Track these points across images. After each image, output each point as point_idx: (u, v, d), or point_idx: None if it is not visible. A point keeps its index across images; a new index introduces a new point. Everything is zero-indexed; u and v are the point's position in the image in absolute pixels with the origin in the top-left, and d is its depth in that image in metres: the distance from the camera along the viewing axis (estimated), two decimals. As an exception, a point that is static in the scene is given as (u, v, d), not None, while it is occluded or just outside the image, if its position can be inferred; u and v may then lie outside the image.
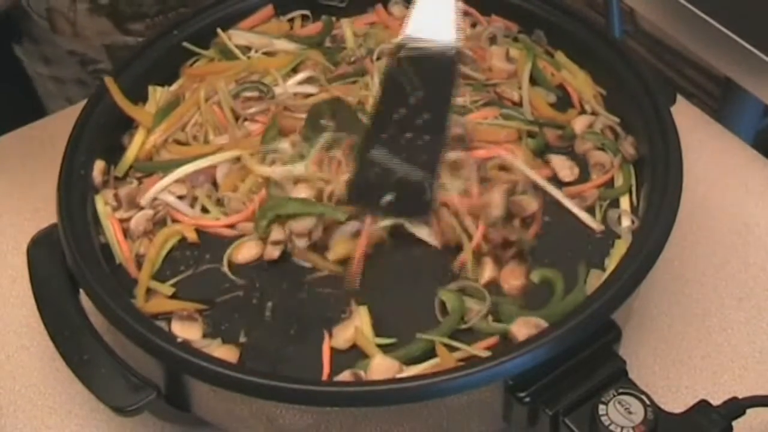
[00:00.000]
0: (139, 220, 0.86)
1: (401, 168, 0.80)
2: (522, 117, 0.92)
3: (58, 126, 0.95)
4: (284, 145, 0.89)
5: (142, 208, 0.88)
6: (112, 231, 0.86)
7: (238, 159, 0.89)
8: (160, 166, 0.91)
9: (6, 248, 0.99)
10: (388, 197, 0.80)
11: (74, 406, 0.87)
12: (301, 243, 0.83)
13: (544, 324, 0.76)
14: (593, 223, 0.85)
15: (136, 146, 0.93)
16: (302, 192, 0.85)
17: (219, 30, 1.01)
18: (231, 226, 0.87)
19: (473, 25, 1.04)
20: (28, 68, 1.35)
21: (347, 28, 1.02)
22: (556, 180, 0.89)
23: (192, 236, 0.86)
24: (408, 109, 0.82)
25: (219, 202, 0.88)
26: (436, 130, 0.81)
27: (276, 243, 0.83)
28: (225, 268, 0.84)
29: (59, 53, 1.29)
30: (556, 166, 0.89)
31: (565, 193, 0.87)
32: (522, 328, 0.76)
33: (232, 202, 0.87)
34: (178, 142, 0.94)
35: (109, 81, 0.93)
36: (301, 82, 0.97)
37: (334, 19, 1.05)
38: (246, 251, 0.84)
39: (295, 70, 0.99)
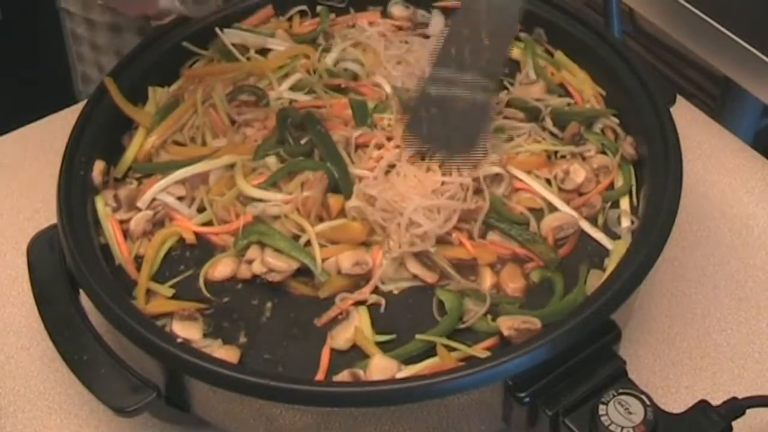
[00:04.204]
0: (138, 221, 0.86)
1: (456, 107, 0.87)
2: (549, 139, 0.92)
3: (58, 126, 0.95)
4: (272, 160, 0.89)
5: (140, 210, 0.88)
6: (111, 232, 0.86)
7: (232, 165, 0.89)
8: (158, 168, 0.91)
9: (6, 248, 0.99)
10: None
11: (74, 407, 0.87)
12: (275, 277, 0.82)
13: (532, 320, 0.76)
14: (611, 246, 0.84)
15: (135, 147, 0.93)
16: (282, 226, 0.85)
17: (217, 29, 1.01)
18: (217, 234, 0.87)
19: None
20: (69, 22, 1.32)
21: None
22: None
23: (190, 237, 0.86)
24: (468, 52, 0.88)
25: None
26: (492, 74, 0.88)
27: (250, 262, 0.83)
28: (201, 284, 0.83)
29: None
30: (577, 177, 0.88)
31: (573, 205, 0.87)
32: (507, 321, 0.77)
33: (218, 207, 0.87)
34: (177, 143, 0.94)
35: (108, 81, 0.93)
36: (293, 89, 0.97)
37: (332, 15, 1.05)
38: (222, 268, 0.84)
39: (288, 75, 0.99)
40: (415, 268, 0.82)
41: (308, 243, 0.83)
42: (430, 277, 0.82)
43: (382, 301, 0.81)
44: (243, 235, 0.84)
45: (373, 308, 0.81)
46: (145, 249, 0.85)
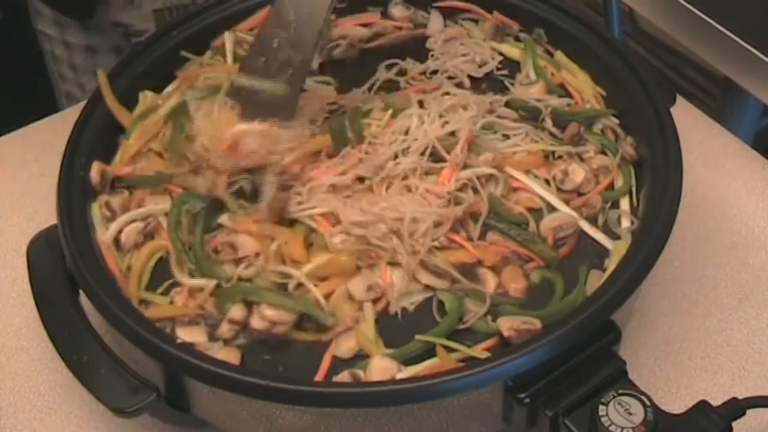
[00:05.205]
0: (129, 233, 0.85)
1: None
2: (547, 138, 0.91)
3: (58, 126, 0.95)
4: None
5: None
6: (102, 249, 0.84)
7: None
8: (139, 182, 0.89)
9: (6, 249, 0.99)
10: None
11: (74, 407, 0.87)
12: (280, 329, 0.78)
13: (531, 321, 0.76)
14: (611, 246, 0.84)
15: (122, 151, 0.92)
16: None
17: (223, 30, 1.00)
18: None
19: (475, 21, 1.04)
20: (48, 43, 1.33)
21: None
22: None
23: None
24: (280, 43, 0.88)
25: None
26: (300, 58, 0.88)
27: (234, 322, 0.79)
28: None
29: (101, 24, 1.28)
30: (576, 177, 0.88)
31: (573, 206, 0.86)
32: (507, 321, 0.77)
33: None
34: (157, 153, 0.92)
35: (103, 83, 0.93)
36: None
37: (333, 16, 1.05)
38: (196, 334, 0.79)
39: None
40: (426, 278, 0.81)
41: (297, 286, 0.80)
42: (441, 285, 0.81)
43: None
44: (223, 298, 0.79)
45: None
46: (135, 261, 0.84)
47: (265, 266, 0.81)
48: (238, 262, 0.82)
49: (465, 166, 0.87)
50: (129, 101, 0.94)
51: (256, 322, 0.78)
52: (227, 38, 1.00)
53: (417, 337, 0.77)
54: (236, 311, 0.79)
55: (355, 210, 0.83)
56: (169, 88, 0.98)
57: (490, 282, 0.81)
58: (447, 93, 0.95)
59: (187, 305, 0.81)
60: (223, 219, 0.84)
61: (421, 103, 0.92)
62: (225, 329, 0.79)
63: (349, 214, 0.82)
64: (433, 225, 0.82)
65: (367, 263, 0.82)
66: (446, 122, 0.89)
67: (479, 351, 0.76)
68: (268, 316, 0.78)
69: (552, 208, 0.86)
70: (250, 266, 0.81)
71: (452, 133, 0.89)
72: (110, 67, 0.95)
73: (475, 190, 0.86)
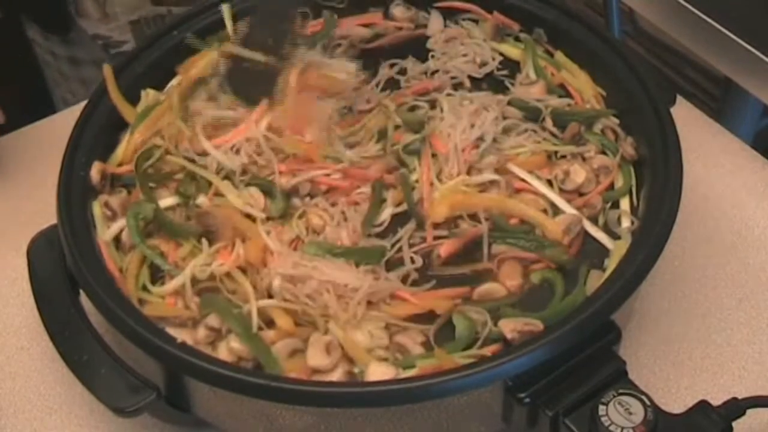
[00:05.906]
0: (129, 234, 0.85)
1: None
2: (549, 138, 0.91)
3: (58, 127, 0.95)
4: None
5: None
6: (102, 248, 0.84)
7: None
8: (133, 179, 0.89)
9: (6, 249, 0.99)
10: None
11: (74, 407, 0.87)
12: (248, 364, 0.77)
13: (534, 322, 0.76)
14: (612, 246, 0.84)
15: (123, 147, 0.92)
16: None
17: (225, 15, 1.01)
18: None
19: (475, 21, 1.04)
20: (40, 50, 1.35)
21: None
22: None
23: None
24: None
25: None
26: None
27: (212, 330, 0.78)
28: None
29: (82, 36, 1.29)
30: (577, 177, 0.88)
31: (574, 206, 0.86)
32: (509, 323, 0.76)
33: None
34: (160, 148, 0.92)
35: (106, 69, 0.93)
36: None
37: (336, 17, 1.04)
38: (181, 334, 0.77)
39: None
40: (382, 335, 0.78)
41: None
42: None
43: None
44: (203, 304, 0.79)
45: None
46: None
47: (227, 272, 0.80)
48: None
49: (470, 170, 0.87)
50: (129, 101, 0.94)
51: (223, 353, 0.77)
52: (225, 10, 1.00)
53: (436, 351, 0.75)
54: (214, 318, 0.78)
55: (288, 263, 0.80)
56: (173, 83, 0.98)
57: (498, 287, 0.81)
58: (450, 94, 0.96)
59: (174, 304, 0.81)
60: (201, 200, 0.85)
61: (432, 103, 0.94)
62: (202, 335, 0.78)
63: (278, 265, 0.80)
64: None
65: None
66: (472, 126, 0.90)
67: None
68: (235, 350, 0.76)
69: (556, 209, 0.86)
70: (223, 264, 0.81)
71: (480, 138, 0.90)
72: (111, 66, 0.95)
73: (471, 217, 0.85)
